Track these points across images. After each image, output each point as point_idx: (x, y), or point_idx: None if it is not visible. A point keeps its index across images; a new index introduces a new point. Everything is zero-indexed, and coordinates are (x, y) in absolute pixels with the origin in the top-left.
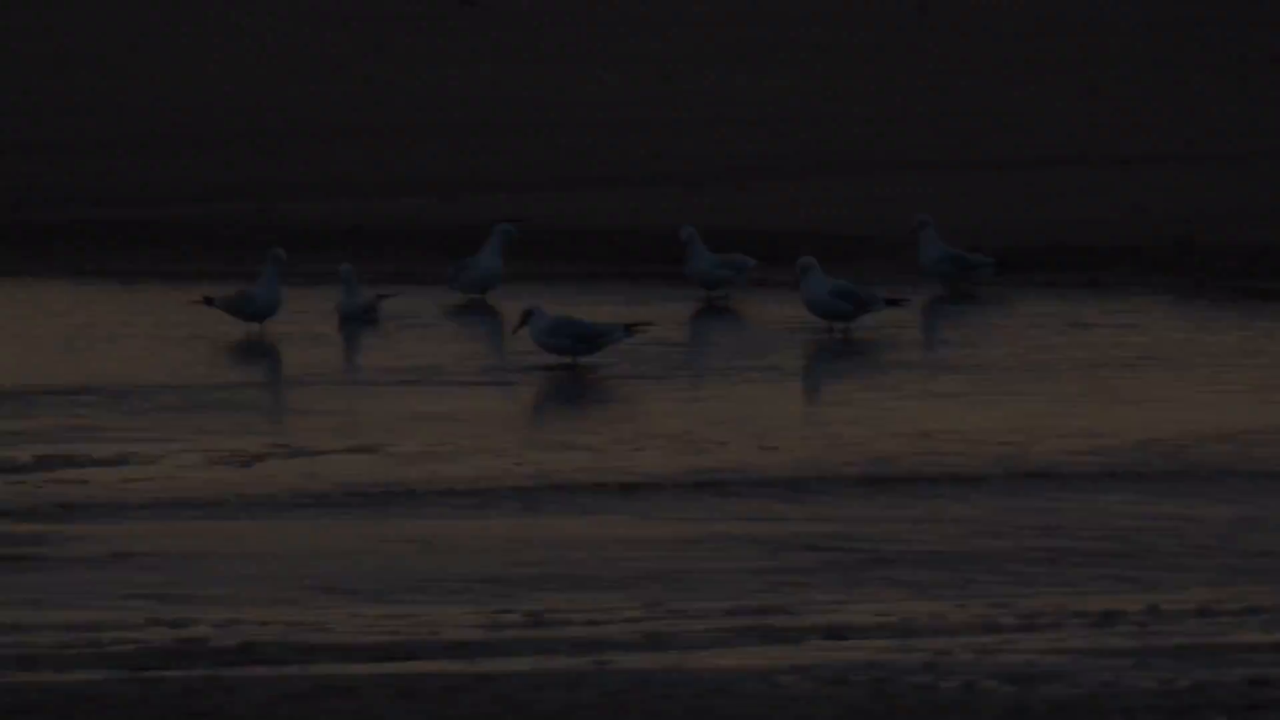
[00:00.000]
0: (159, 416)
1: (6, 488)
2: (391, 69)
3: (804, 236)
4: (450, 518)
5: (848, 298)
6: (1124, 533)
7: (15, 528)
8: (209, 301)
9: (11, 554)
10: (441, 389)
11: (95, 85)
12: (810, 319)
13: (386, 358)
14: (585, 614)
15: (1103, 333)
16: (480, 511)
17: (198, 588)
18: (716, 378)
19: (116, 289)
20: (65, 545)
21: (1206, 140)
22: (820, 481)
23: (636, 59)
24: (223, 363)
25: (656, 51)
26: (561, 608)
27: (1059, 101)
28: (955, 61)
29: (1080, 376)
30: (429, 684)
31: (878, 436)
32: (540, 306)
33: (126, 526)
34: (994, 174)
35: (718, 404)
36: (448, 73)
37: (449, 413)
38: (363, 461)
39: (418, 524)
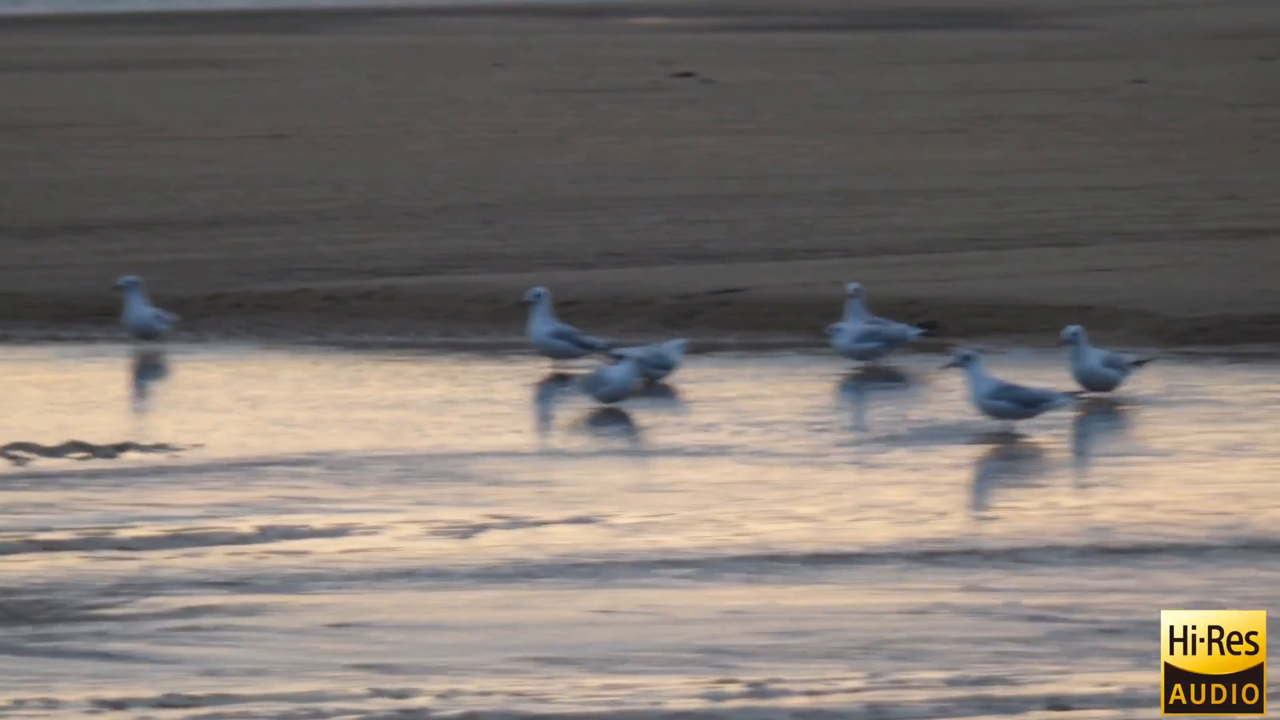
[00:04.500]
0: (379, 487)
1: (228, 558)
2: (611, 141)
3: (1024, 307)
4: (671, 588)
5: (1117, 365)
6: None
7: (237, 599)
8: (566, 380)
9: (233, 625)
10: (661, 459)
11: (314, 158)
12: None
13: (611, 428)
14: (806, 684)
15: None
16: (701, 581)
17: (420, 658)
18: (938, 447)
19: (336, 360)
20: (287, 616)
21: None
22: (1041, 551)
23: (855, 130)
24: (443, 433)
25: (875, 123)
26: (783, 678)
27: None
28: (1174, 132)
29: None
30: None
31: (1099, 506)
32: (978, 358)
33: (347, 597)
34: (1215, 244)
35: (938, 474)
36: (666, 144)
37: (669, 483)
38: (583, 531)
39: (639, 594)
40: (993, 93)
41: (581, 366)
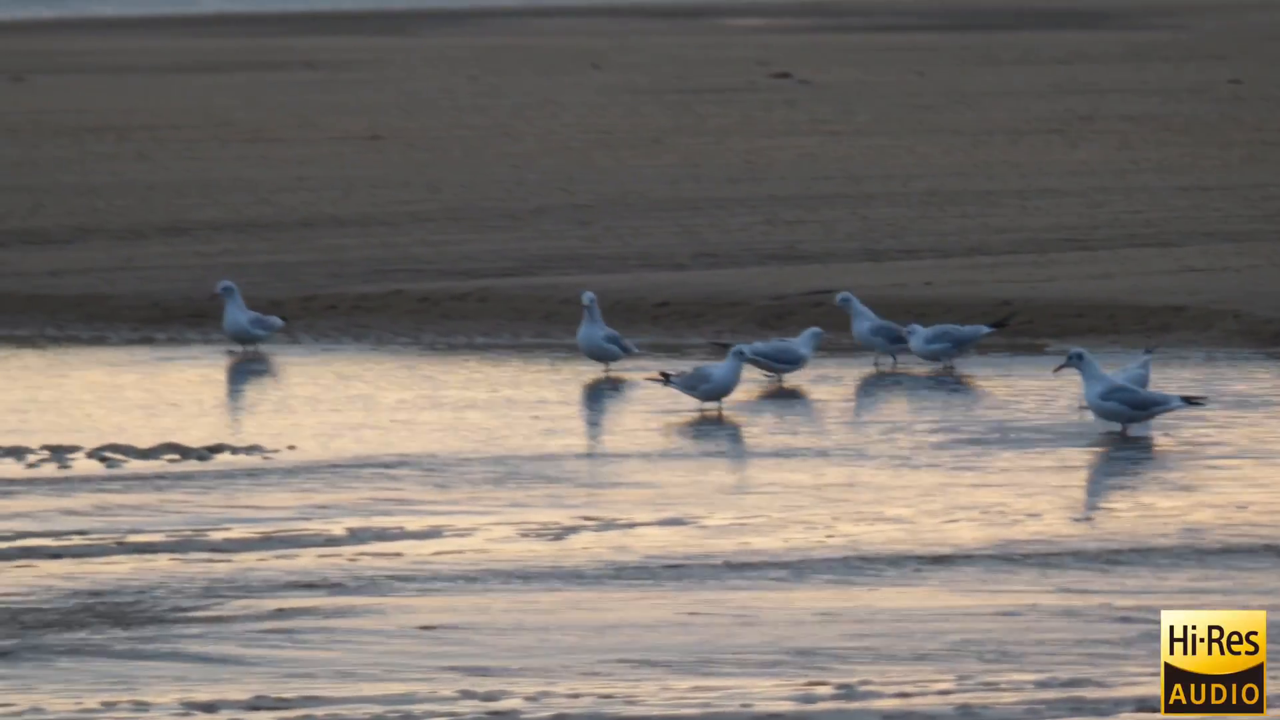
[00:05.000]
0: (471, 488)
1: (320, 560)
2: (706, 142)
3: (1118, 308)
4: (762, 589)
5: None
6: None
7: (328, 601)
8: (666, 379)
9: (325, 627)
10: (753, 460)
11: (410, 160)
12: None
13: (703, 429)
14: (896, 686)
15: None
16: (791, 583)
17: (510, 660)
18: (1030, 448)
19: (430, 361)
20: (378, 618)
21: None
22: (1133, 553)
23: (950, 131)
24: (535, 434)
25: (970, 123)
26: (873, 680)
27: None
28: (1269, 132)
29: None
30: None
31: (1192, 508)
32: (1088, 355)
33: (438, 599)
34: None
35: (1030, 475)
36: (761, 145)
37: (761, 484)
38: (674, 533)
39: (729, 596)
40: (1088, 93)
41: (625, 369)
